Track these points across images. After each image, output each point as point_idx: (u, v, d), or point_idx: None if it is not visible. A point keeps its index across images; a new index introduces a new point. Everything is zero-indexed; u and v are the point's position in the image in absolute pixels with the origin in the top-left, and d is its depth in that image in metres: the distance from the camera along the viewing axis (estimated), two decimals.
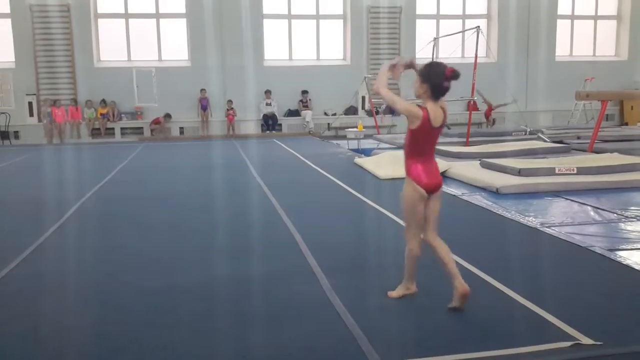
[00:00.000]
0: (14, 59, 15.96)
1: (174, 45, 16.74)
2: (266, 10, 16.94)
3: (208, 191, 7.70)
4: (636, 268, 3.96)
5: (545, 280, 3.80)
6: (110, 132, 16.38)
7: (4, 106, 15.85)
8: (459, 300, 3.23)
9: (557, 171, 7.40)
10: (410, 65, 3.39)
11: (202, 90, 16.32)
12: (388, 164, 8.84)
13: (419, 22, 17.61)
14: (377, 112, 15.91)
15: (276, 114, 16.93)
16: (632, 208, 5.93)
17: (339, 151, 12.24)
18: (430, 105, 3.22)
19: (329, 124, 16.73)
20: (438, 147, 4.29)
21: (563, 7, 18.40)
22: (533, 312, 3.22)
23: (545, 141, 11.74)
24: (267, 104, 16.80)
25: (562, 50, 18.52)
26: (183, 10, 16.56)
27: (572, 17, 18.67)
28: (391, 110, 16.48)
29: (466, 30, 14.83)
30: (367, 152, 11.36)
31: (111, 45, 16.59)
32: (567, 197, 6.49)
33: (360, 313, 3.25)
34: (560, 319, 3.08)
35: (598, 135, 10.60)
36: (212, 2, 16.20)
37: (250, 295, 3.64)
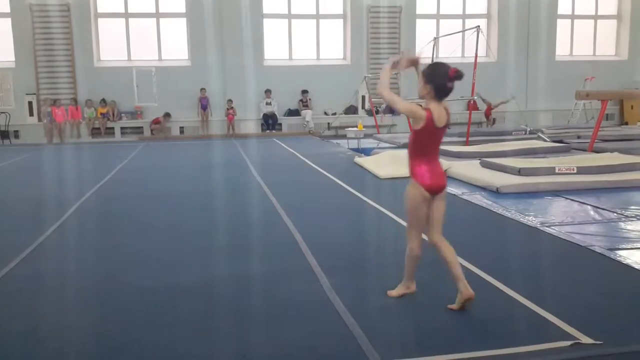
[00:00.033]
0: (14, 59, 15.96)
1: (174, 45, 16.74)
2: (266, 9, 16.94)
3: (208, 190, 7.70)
4: (636, 267, 3.96)
5: (545, 279, 3.80)
6: (110, 131, 16.38)
7: (4, 106, 15.85)
8: (461, 303, 3.22)
9: (557, 171, 7.40)
10: (414, 63, 3.39)
11: (202, 89, 16.32)
12: (388, 163, 8.85)
13: (419, 21, 17.61)
14: (377, 112, 15.91)
15: (276, 113, 16.93)
16: (632, 207, 5.92)
17: (339, 150, 12.24)
18: (434, 106, 3.21)
19: (329, 123, 16.73)
20: None
21: (563, 7, 18.40)
22: (533, 312, 3.22)
23: (545, 141, 11.74)
24: (267, 104, 16.80)
25: (562, 50, 18.52)
26: (183, 9, 16.56)
27: (572, 17, 18.67)
28: (391, 110, 16.46)
29: (466, 29, 14.83)
30: (367, 152, 11.35)
31: (111, 45, 16.59)
32: (567, 197, 6.49)
33: (360, 312, 3.25)
34: (560, 318, 3.08)
35: (598, 135, 10.59)
36: (212, 1, 16.19)
37: (250, 295, 3.64)
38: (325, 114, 17.25)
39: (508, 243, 4.80)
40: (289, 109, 17.30)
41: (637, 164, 7.79)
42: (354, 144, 12.58)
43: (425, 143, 3.29)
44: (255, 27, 16.53)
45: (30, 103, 15.95)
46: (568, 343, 2.80)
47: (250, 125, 16.88)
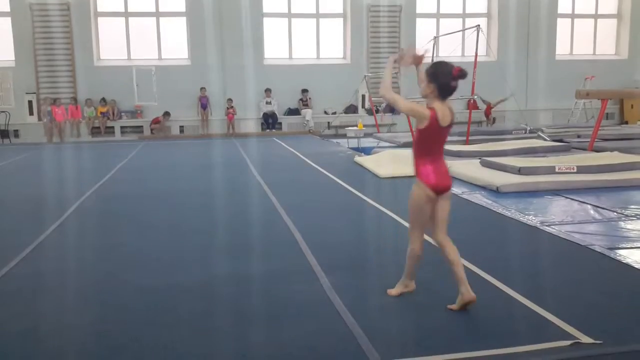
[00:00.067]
0: (13, 58, 15.96)
1: (174, 44, 16.74)
2: (266, 8, 16.93)
3: (208, 190, 7.70)
4: (636, 267, 3.96)
5: (545, 278, 3.81)
6: (110, 130, 16.38)
7: (4, 105, 15.85)
8: (461, 305, 3.22)
9: (557, 170, 7.40)
10: (418, 61, 3.37)
11: (202, 88, 16.31)
12: (388, 162, 8.85)
13: (419, 20, 17.61)
14: (377, 111, 15.91)
15: (276, 112, 16.93)
16: (632, 207, 5.92)
17: (339, 150, 12.24)
18: (438, 105, 3.20)
19: (329, 122, 16.73)
20: None
21: (563, 6, 18.40)
22: (533, 311, 3.22)
23: (545, 140, 11.73)
24: (267, 103, 16.80)
25: (562, 49, 18.52)
26: (183, 8, 16.55)
27: (573, 16, 18.67)
28: (391, 109, 16.46)
29: (466, 29, 14.82)
30: (367, 151, 11.35)
31: (111, 44, 16.59)
32: (567, 196, 6.49)
33: (360, 312, 3.25)
34: (560, 318, 3.08)
35: (598, 134, 10.59)
36: (212, 0, 16.19)
37: (250, 294, 3.64)
38: (325, 113, 17.24)
39: (508, 242, 4.80)
40: (289, 108, 17.30)
41: (637, 163, 7.79)
42: (354, 143, 12.58)
43: (429, 142, 3.28)
44: (255, 26, 16.53)
45: (30, 102, 15.95)
46: (568, 342, 2.80)
47: (250, 124, 16.88)
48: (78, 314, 3.39)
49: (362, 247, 4.67)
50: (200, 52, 16.30)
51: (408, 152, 9.85)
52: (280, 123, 17.09)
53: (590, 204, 6.04)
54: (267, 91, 16.68)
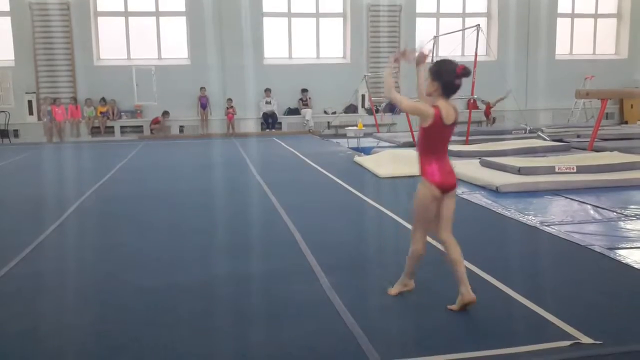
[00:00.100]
0: (13, 57, 15.95)
1: (174, 44, 16.73)
2: (266, 8, 16.92)
3: (208, 190, 7.70)
4: (636, 267, 3.96)
5: (545, 279, 3.81)
6: (110, 130, 16.37)
7: (4, 104, 15.84)
8: (461, 306, 3.22)
9: (556, 170, 7.40)
10: (422, 59, 3.37)
11: (202, 88, 16.31)
12: (388, 162, 8.85)
13: (418, 20, 17.60)
14: (377, 111, 15.91)
15: (276, 112, 16.93)
16: (632, 206, 5.92)
17: (338, 150, 12.24)
18: (442, 103, 3.20)
19: (328, 122, 16.73)
20: None
21: (563, 6, 18.40)
22: (533, 311, 3.22)
23: (545, 140, 11.73)
24: (267, 103, 16.79)
25: (562, 49, 18.52)
26: (183, 8, 16.55)
27: (572, 16, 18.67)
28: (391, 109, 16.47)
29: (466, 28, 14.82)
30: (366, 151, 11.35)
31: (111, 44, 16.58)
32: (567, 196, 6.49)
33: (360, 312, 3.25)
34: (560, 318, 3.08)
35: (598, 134, 10.59)
36: (212, 0, 16.18)
37: (250, 294, 3.64)
38: (325, 112, 17.24)
39: (508, 242, 4.80)
40: (289, 108, 17.29)
41: (636, 163, 7.79)
42: (353, 143, 12.58)
43: (434, 141, 3.27)
44: (255, 26, 16.53)
45: (30, 102, 15.94)
46: (568, 343, 2.80)
47: (250, 124, 16.87)
48: (78, 314, 3.39)
49: (362, 247, 4.67)
50: (200, 52, 16.30)
51: (408, 152, 9.87)
52: (280, 123, 17.09)
53: (590, 204, 6.04)
54: (267, 91, 16.67)
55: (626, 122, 17.80)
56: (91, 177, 8.79)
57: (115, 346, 2.93)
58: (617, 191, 6.76)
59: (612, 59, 18.84)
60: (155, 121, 16.29)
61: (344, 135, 13.70)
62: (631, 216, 5.51)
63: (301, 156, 11.01)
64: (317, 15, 17.39)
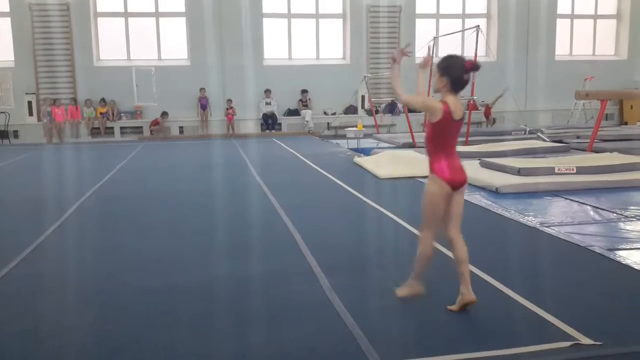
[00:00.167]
0: (13, 58, 15.94)
1: (174, 44, 16.73)
2: (266, 9, 16.93)
3: (208, 190, 7.70)
4: (635, 268, 3.96)
5: (545, 280, 3.81)
6: (109, 131, 16.37)
7: (4, 105, 15.83)
8: (461, 306, 3.21)
9: (556, 170, 7.40)
10: (424, 64, 3.38)
11: (202, 89, 16.31)
12: (388, 163, 8.85)
13: (418, 21, 17.61)
14: (377, 112, 15.91)
15: (276, 113, 16.93)
16: (632, 207, 5.92)
17: (338, 150, 12.24)
18: (451, 98, 3.18)
19: (328, 123, 16.72)
20: None
21: (563, 6, 18.40)
22: (532, 312, 3.22)
23: (544, 140, 11.74)
24: (266, 103, 16.80)
25: (561, 50, 18.53)
26: (182, 9, 16.55)
27: (572, 17, 18.68)
28: (391, 110, 16.48)
29: (466, 29, 14.82)
30: (366, 152, 11.35)
31: (111, 44, 16.58)
32: (567, 197, 6.49)
33: (360, 313, 3.25)
34: (560, 319, 3.08)
35: (597, 135, 10.59)
36: (211, 0, 16.18)
37: (250, 295, 3.64)
38: (325, 113, 17.24)
39: (507, 243, 4.80)
40: (289, 109, 17.29)
41: (636, 164, 7.80)
42: (353, 143, 12.58)
43: (442, 137, 3.24)
44: (254, 27, 16.53)
45: (29, 103, 15.93)
46: (568, 344, 2.80)
47: (249, 125, 16.87)
48: (78, 315, 3.38)
49: (362, 248, 4.67)
50: (200, 53, 16.30)
51: (408, 153, 9.86)
52: (280, 124, 17.09)
53: (590, 205, 6.04)
54: (267, 92, 16.67)
55: (626, 123, 17.81)
56: (91, 178, 8.78)
57: (115, 347, 2.93)
58: (616, 192, 6.77)
59: (611, 59, 18.85)
60: (155, 123, 16.29)
61: (343, 136, 13.70)
62: (631, 217, 5.51)
63: (301, 157, 11.02)
64: (317, 16, 17.40)
